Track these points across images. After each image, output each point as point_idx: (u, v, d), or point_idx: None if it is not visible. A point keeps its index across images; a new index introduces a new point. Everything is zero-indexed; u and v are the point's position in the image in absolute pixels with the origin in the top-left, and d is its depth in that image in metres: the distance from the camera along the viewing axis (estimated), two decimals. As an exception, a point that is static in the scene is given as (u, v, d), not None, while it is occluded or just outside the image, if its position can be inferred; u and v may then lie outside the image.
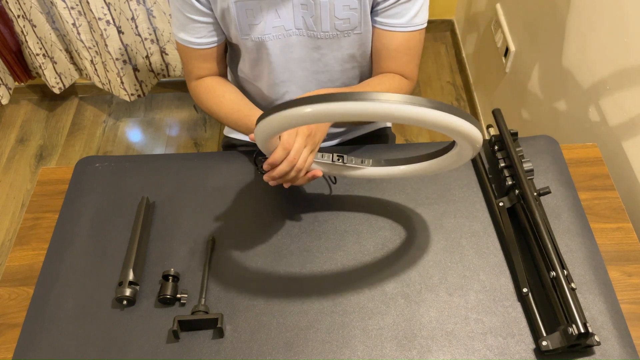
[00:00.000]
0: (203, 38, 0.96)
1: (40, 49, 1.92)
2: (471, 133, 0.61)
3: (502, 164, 0.92)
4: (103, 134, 2.16)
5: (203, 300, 0.81)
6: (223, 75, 1.06)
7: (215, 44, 0.98)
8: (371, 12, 0.94)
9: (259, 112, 0.94)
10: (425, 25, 0.95)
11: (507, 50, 1.66)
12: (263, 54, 0.97)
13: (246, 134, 0.95)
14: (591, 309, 0.79)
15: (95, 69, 1.99)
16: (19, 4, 1.77)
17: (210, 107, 1.01)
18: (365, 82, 0.99)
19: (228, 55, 1.10)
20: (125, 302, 0.81)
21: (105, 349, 0.77)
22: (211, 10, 0.92)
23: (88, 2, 1.68)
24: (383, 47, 0.97)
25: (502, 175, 0.91)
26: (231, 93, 1.00)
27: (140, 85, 2.02)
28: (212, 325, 0.78)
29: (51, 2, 1.74)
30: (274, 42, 0.94)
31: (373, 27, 0.96)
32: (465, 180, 0.95)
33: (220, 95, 1.00)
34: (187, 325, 0.78)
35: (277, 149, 0.75)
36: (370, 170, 0.84)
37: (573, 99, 1.26)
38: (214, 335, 0.78)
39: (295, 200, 0.93)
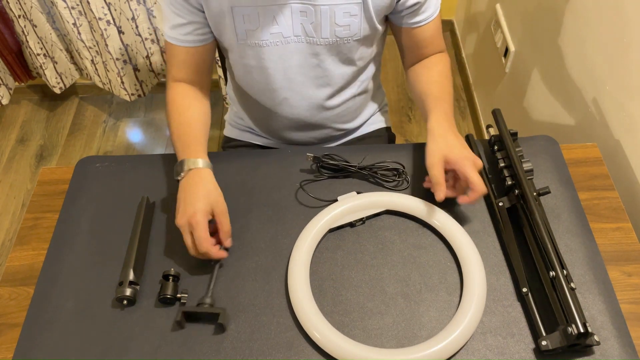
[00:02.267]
0: (188, 35, 0.94)
1: (41, 48, 1.92)
2: None
3: (502, 164, 0.92)
4: (103, 134, 2.16)
5: (210, 293, 0.81)
6: (203, 87, 1.02)
7: (200, 44, 0.96)
8: (392, 16, 0.96)
9: (203, 146, 0.93)
10: None
11: (506, 50, 1.66)
12: (260, 60, 0.96)
13: (176, 151, 0.92)
14: (591, 309, 0.79)
15: (96, 69, 1.99)
16: (20, 4, 1.77)
17: (169, 111, 0.97)
18: (430, 87, 0.98)
19: (227, 61, 1.10)
20: (125, 302, 0.81)
21: (105, 349, 0.77)
22: (202, 11, 0.92)
23: (88, 2, 1.68)
24: (417, 41, 1.00)
25: (501, 175, 0.91)
26: (195, 109, 0.97)
27: (141, 85, 2.02)
28: (214, 319, 0.78)
29: (52, 2, 1.75)
30: (271, 49, 0.94)
31: (400, 27, 0.98)
32: (465, 180, 0.95)
33: (185, 106, 0.97)
34: (191, 317, 0.79)
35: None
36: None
37: (573, 99, 1.26)
38: (215, 333, 0.78)
39: (296, 201, 0.93)
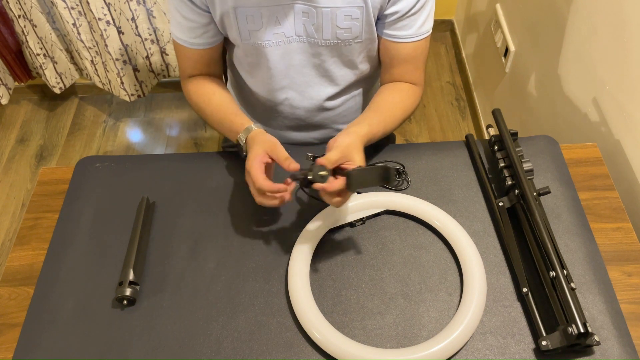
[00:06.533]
0: (197, 39, 0.95)
1: (41, 49, 1.92)
2: None
3: (502, 164, 0.92)
4: (103, 134, 2.16)
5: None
6: (217, 76, 1.06)
7: (210, 46, 0.97)
8: (377, 22, 0.94)
9: (243, 117, 0.94)
10: (431, 31, 0.95)
11: (506, 50, 1.66)
12: (262, 59, 0.96)
13: (228, 135, 0.96)
14: (591, 309, 0.79)
15: (96, 69, 1.99)
16: (20, 4, 1.77)
17: (198, 104, 1.01)
18: (378, 101, 0.97)
19: (228, 58, 1.10)
20: (125, 302, 0.81)
21: (105, 349, 0.77)
22: (209, 12, 0.92)
23: (88, 3, 1.68)
24: (391, 57, 0.98)
25: (502, 175, 0.91)
26: (220, 93, 1.00)
27: (140, 86, 2.02)
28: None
29: (51, 2, 1.75)
30: (273, 49, 0.94)
31: (380, 37, 0.96)
32: (465, 180, 0.96)
33: (210, 93, 1.00)
34: None
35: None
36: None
37: (573, 99, 1.26)
38: (215, 333, 0.78)
39: (296, 201, 0.93)
